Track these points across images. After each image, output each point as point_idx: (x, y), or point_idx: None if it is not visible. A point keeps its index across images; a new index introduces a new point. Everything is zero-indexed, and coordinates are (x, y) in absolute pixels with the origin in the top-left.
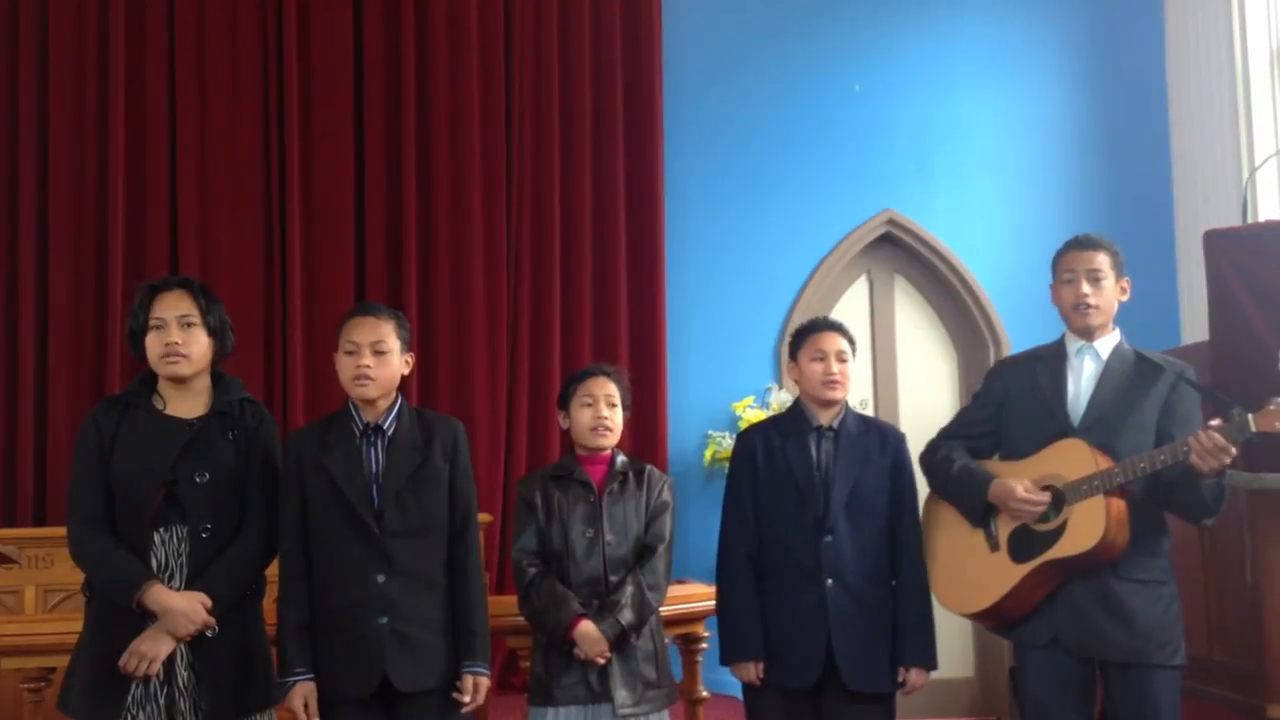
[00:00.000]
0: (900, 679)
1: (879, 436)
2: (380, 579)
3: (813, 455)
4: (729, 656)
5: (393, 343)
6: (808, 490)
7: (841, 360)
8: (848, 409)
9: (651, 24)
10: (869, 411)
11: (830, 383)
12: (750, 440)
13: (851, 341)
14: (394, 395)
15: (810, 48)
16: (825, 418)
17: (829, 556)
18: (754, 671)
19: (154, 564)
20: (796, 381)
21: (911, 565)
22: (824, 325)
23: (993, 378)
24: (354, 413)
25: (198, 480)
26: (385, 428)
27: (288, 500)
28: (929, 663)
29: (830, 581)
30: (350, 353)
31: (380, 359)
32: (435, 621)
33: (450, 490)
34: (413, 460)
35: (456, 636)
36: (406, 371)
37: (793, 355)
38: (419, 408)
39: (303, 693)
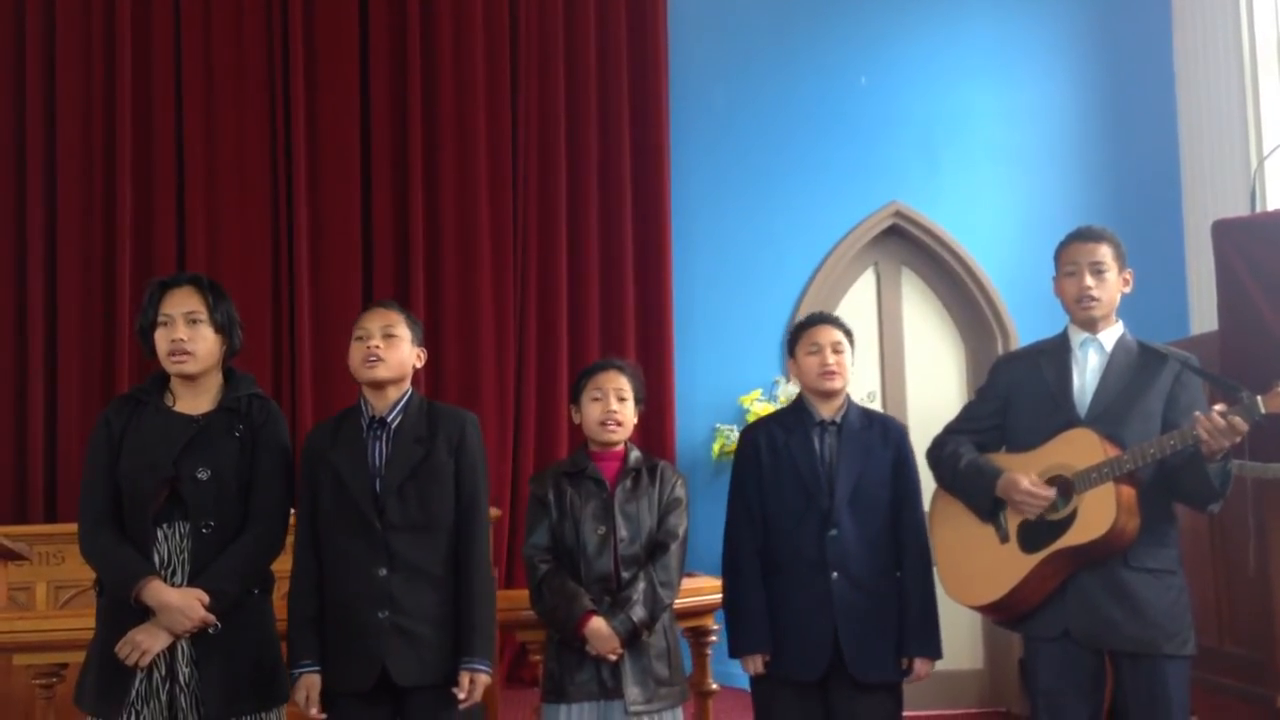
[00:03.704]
0: (905, 668)
1: (881, 430)
2: (381, 573)
3: (816, 450)
4: (737, 649)
5: (402, 330)
6: (813, 485)
7: (837, 351)
8: (850, 403)
9: (657, 17)
10: (876, 404)
11: (827, 374)
12: (754, 436)
13: (848, 333)
14: (405, 387)
15: (816, 40)
16: (827, 411)
17: (834, 550)
18: (759, 663)
19: (157, 560)
20: (796, 377)
21: (915, 556)
22: (818, 319)
23: (997, 372)
24: (363, 406)
25: (200, 476)
26: (390, 420)
27: (303, 495)
28: (934, 652)
29: (836, 575)
30: (360, 338)
31: (390, 341)
32: (437, 616)
33: (455, 484)
34: (415, 454)
35: (458, 632)
36: (419, 364)
37: (790, 353)
38: (432, 400)
39: (305, 685)
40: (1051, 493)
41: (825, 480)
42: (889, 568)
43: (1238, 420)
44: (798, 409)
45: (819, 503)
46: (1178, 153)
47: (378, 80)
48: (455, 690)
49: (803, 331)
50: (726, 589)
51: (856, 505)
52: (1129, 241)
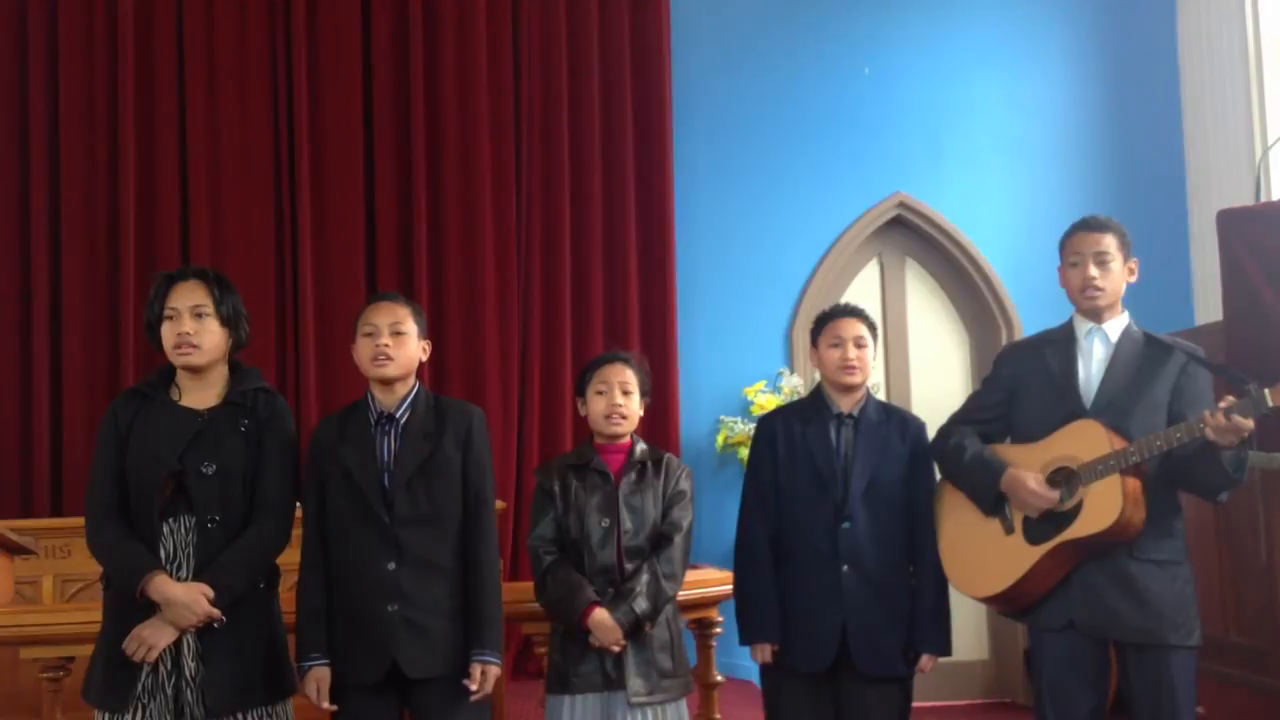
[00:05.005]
0: (911, 661)
1: (899, 425)
2: (391, 566)
3: (833, 442)
4: (746, 638)
5: (410, 326)
6: (828, 477)
7: (859, 346)
8: (870, 396)
9: (660, 8)
10: (880, 395)
11: (847, 368)
12: (771, 425)
13: (871, 327)
14: (412, 382)
15: (819, 31)
16: (846, 404)
17: (846, 543)
18: (768, 652)
19: (163, 554)
20: (817, 368)
21: (929, 552)
22: (842, 312)
23: (1002, 362)
24: (371, 401)
25: (205, 471)
26: (398, 416)
27: (311, 489)
28: (943, 650)
29: (847, 567)
30: (369, 334)
31: (398, 339)
32: (446, 609)
33: (462, 478)
34: (424, 448)
35: (467, 624)
36: (424, 357)
37: (814, 342)
38: (438, 395)
39: (315, 678)
40: (1055, 496)
41: (840, 473)
42: (901, 562)
43: (1239, 419)
44: (816, 400)
45: (833, 495)
46: (1182, 142)
47: (380, 70)
48: (466, 682)
49: (826, 323)
50: (737, 577)
51: (871, 499)
52: (1133, 231)
